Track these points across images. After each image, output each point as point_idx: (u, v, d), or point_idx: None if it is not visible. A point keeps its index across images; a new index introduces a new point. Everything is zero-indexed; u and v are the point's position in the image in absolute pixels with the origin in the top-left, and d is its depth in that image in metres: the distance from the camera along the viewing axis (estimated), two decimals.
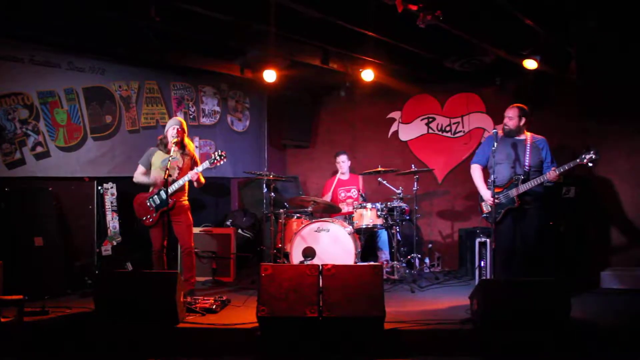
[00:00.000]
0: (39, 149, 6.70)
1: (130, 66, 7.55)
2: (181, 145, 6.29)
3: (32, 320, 5.23)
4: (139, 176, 6.43)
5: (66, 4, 5.93)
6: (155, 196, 6.27)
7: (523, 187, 5.90)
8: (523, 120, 6.14)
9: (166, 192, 5.94)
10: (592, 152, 5.63)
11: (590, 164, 5.65)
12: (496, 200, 5.93)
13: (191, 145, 6.53)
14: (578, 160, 5.69)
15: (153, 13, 5.76)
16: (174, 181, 6.18)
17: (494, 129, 5.97)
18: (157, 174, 6.33)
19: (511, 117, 6.15)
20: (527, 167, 6.01)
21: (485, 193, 6.21)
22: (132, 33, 6.64)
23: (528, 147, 6.07)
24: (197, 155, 6.62)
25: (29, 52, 6.58)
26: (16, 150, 6.50)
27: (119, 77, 7.46)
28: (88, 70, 7.13)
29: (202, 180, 6.38)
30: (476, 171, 6.45)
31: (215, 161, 6.26)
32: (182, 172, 6.29)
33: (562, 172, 5.79)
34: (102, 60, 7.23)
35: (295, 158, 10.08)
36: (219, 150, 6.32)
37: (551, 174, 5.78)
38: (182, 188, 6.32)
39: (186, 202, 6.43)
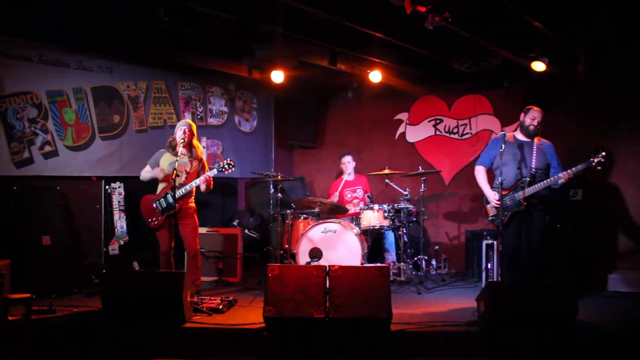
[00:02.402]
0: (47, 148, 6.72)
1: (138, 66, 7.57)
2: (189, 147, 6.30)
3: (39, 318, 5.26)
4: (144, 174, 6.41)
5: (75, 4, 5.94)
6: (162, 199, 6.24)
7: (530, 190, 5.85)
8: None
9: (173, 196, 5.94)
10: (600, 156, 5.59)
11: (599, 167, 5.61)
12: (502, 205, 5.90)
13: (200, 148, 6.51)
14: (586, 164, 5.65)
15: (162, 13, 5.77)
16: (181, 185, 6.14)
17: (502, 130, 5.93)
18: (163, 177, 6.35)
19: (538, 119, 6.04)
20: (533, 170, 5.97)
21: (490, 194, 6.16)
22: (141, 33, 6.65)
23: (535, 150, 6.04)
24: (205, 159, 6.61)
25: (38, 52, 6.60)
26: (25, 149, 6.52)
27: (127, 77, 7.48)
28: (96, 70, 7.15)
29: (211, 185, 6.38)
30: (480, 173, 6.41)
31: (224, 169, 6.24)
32: (190, 176, 6.27)
33: (571, 174, 5.76)
34: (110, 59, 7.25)
35: (302, 159, 10.10)
36: (228, 159, 6.29)
37: (565, 174, 5.72)
38: (189, 192, 6.29)
39: (193, 205, 6.42)
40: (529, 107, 6.18)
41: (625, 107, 7.49)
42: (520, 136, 6.18)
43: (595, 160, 5.60)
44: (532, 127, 6.08)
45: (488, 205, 6.24)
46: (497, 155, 6.05)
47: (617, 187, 7.55)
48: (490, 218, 6.23)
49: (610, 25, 6.45)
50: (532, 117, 6.09)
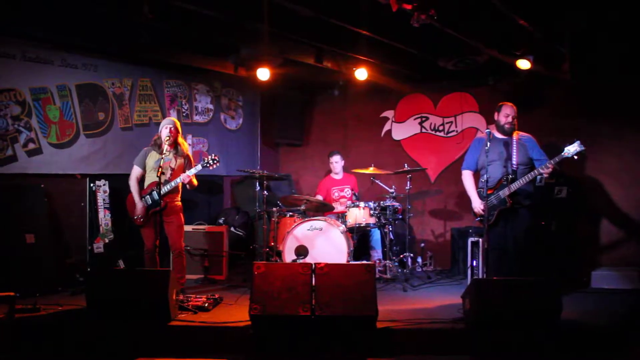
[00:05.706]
0: (31, 146, 6.67)
1: (123, 63, 7.52)
2: (174, 145, 6.27)
3: (23, 317, 5.21)
4: (133, 181, 6.31)
5: (60, 1, 5.89)
6: (148, 196, 6.23)
7: (514, 186, 5.84)
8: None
9: (158, 192, 5.92)
10: (576, 144, 5.57)
11: (575, 157, 5.58)
12: (487, 205, 5.90)
13: (185, 145, 6.50)
14: (563, 154, 5.62)
15: (146, 10, 5.73)
16: (166, 182, 6.13)
17: (487, 128, 5.93)
18: (150, 176, 6.31)
19: (512, 115, 6.06)
20: (515, 166, 5.98)
21: (477, 202, 6.15)
22: (126, 30, 6.60)
23: (515, 146, 6.05)
24: (191, 155, 6.59)
25: (21, 49, 6.55)
26: (8, 147, 6.47)
27: (112, 74, 7.43)
28: (81, 67, 7.10)
29: (195, 182, 6.36)
30: (467, 178, 6.36)
31: (209, 165, 6.24)
32: (175, 173, 6.26)
33: (550, 166, 5.75)
34: (95, 57, 7.20)
35: (288, 156, 10.09)
36: (212, 155, 6.30)
37: (545, 168, 5.72)
38: (175, 189, 6.28)
39: (179, 203, 6.39)
40: (501, 103, 6.19)
41: (610, 107, 7.53)
42: (498, 134, 6.17)
43: (572, 149, 5.60)
44: (507, 125, 6.09)
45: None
46: (481, 155, 6.07)
47: (601, 185, 7.61)
48: (478, 219, 6.23)
49: (595, 25, 6.48)
50: (505, 114, 6.10)
